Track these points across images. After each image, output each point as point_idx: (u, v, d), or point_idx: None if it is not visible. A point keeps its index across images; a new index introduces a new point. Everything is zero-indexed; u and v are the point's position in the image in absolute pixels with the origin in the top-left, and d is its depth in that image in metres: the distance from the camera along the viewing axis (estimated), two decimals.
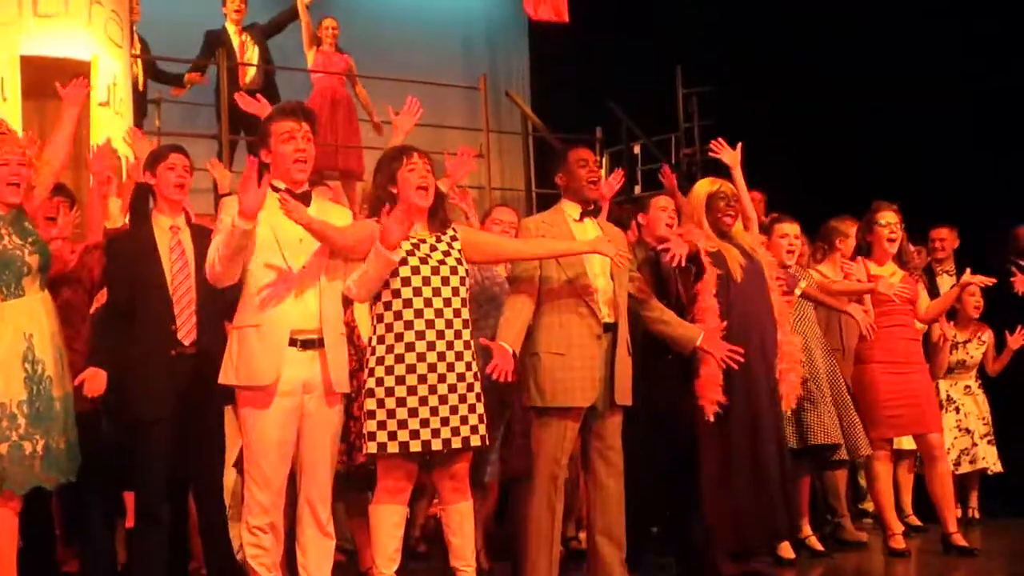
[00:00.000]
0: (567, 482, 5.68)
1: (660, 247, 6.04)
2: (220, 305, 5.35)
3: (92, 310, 5.80)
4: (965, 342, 8.08)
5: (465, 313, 4.96)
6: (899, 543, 6.85)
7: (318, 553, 4.90)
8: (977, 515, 8.23)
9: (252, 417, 4.78)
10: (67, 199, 6.04)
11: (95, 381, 5.24)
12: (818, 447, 6.64)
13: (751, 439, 5.82)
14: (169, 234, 5.45)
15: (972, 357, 8.10)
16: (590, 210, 5.62)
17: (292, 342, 4.76)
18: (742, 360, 5.65)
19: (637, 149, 12.14)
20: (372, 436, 4.80)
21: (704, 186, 6.14)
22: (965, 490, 8.24)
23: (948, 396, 8.06)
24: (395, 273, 4.83)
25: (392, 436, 4.78)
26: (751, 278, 5.93)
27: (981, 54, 10.34)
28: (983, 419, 8.06)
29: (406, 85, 11.62)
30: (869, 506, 7.97)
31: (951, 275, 8.43)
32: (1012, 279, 8.05)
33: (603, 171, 11.96)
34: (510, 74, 13.06)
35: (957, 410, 8.04)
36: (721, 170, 6.54)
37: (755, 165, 6.94)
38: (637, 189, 11.87)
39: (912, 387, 6.89)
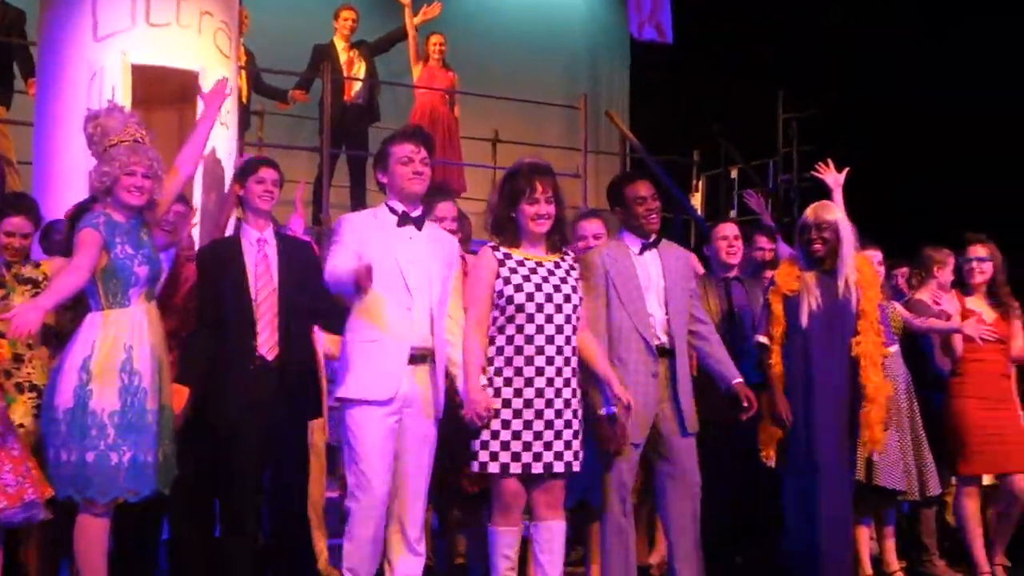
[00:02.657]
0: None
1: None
2: (306, 318, 5.47)
3: None
4: None
5: (575, 340, 5.04)
6: None
7: (406, 571, 4.98)
8: None
9: (359, 427, 4.88)
10: (188, 207, 6.01)
11: (177, 397, 5.28)
12: (881, 489, 6.54)
13: (817, 484, 5.79)
14: (256, 246, 5.51)
15: None
16: (650, 243, 5.61)
17: (395, 354, 4.87)
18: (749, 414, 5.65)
19: (735, 173, 12.08)
20: (475, 456, 4.93)
21: (805, 212, 6.08)
22: None
23: None
24: (511, 300, 4.94)
25: (494, 457, 4.90)
26: (831, 319, 5.87)
27: None
28: None
29: (507, 103, 11.76)
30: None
31: None
32: None
33: (700, 194, 12.15)
34: (611, 94, 13.09)
35: None
36: (820, 196, 6.48)
37: (854, 192, 6.89)
38: (732, 213, 11.83)
39: (1001, 424, 6.79)
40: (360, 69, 10.42)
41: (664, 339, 5.49)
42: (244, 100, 9.50)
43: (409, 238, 5.02)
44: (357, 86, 10.37)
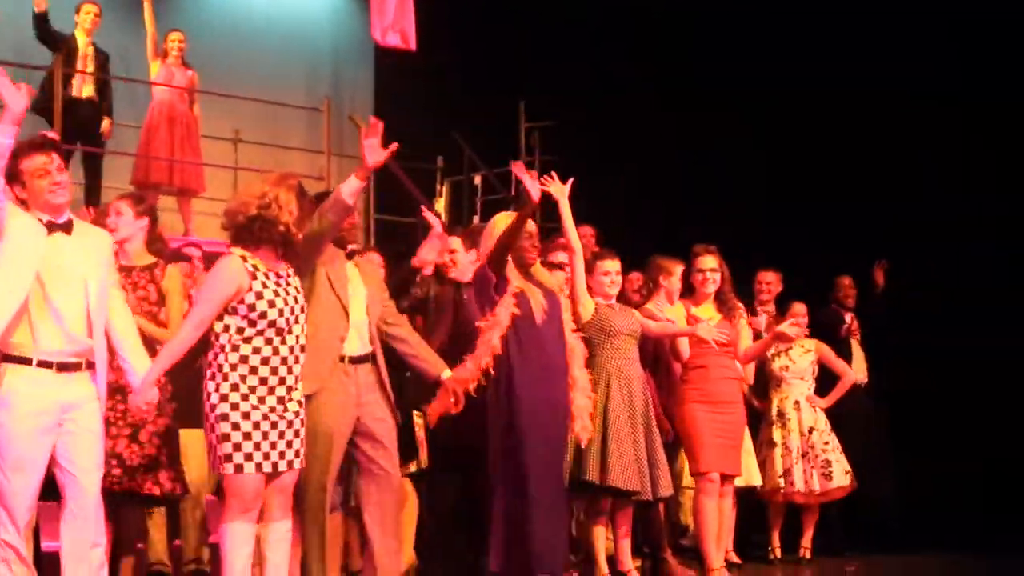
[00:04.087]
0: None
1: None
2: None
3: None
4: (787, 349, 8.31)
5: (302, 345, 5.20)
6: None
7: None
8: (808, 555, 8.35)
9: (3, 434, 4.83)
10: None
11: None
12: (614, 489, 6.71)
13: (540, 474, 5.97)
14: None
15: (795, 363, 8.32)
16: (349, 252, 5.85)
17: (46, 364, 4.86)
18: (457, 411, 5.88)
19: (478, 180, 12.20)
20: (229, 458, 5.00)
21: (503, 220, 6.25)
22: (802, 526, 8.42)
23: (779, 411, 8.29)
24: (264, 315, 5.03)
25: (248, 457, 5.00)
26: (549, 318, 6.13)
27: (820, 102, 10.59)
28: (804, 436, 8.23)
29: (249, 104, 11.58)
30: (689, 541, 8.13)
31: (770, 316, 8.66)
32: (842, 326, 8.73)
33: (443, 199, 12.22)
34: (354, 98, 13.03)
35: (784, 425, 8.25)
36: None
37: (593, 200, 7.08)
38: (476, 219, 11.93)
39: (727, 426, 7.14)
40: (90, 65, 10.06)
41: (368, 344, 5.74)
42: None
43: (60, 246, 4.98)
44: (89, 86, 10.02)
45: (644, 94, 11.50)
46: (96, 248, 5.11)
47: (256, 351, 5.04)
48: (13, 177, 4.96)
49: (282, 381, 5.08)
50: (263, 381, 5.04)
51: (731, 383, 7.27)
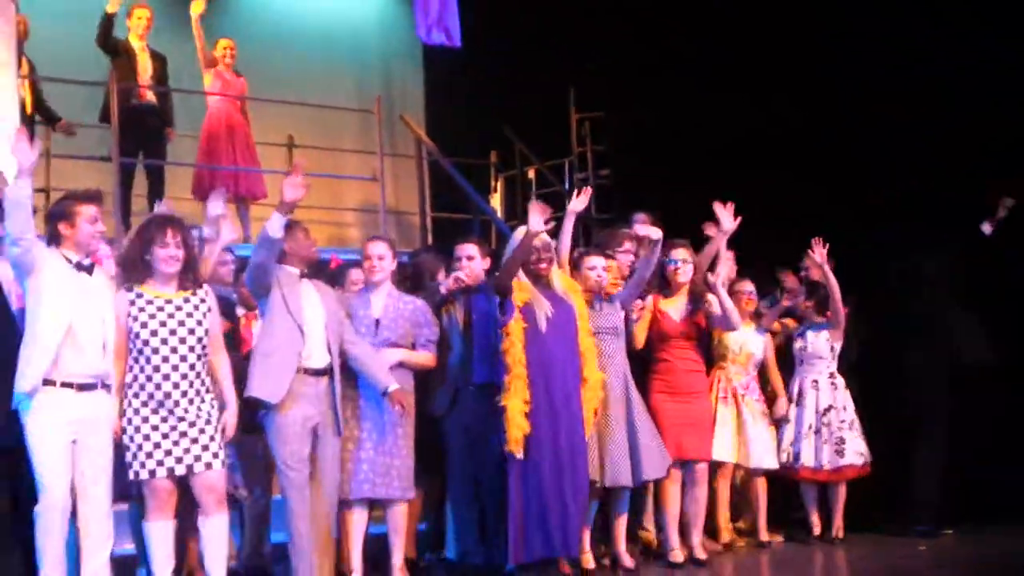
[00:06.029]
0: None
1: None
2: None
3: None
4: (804, 331, 8.47)
5: (199, 366, 5.86)
6: (676, 557, 7.42)
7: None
8: (841, 535, 8.36)
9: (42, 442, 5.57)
10: None
11: None
12: None
13: (552, 471, 6.58)
14: None
15: (812, 344, 8.38)
16: (306, 273, 6.49)
17: (70, 385, 5.61)
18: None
19: (532, 174, 12.23)
20: (143, 465, 5.73)
21: (519, 235, 6.78)
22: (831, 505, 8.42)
23: (799, 390, 8.38)
24: (138, 335, 5.76)
25: (160, 464, 5.74)
26: (559, 323, 6.72)
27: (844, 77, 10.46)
28: (819, 413, 8.28)
29: (301, 108, 11.67)
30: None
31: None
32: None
33: (498, 195, 12.26)
34: (405, 98, 13.05)
35: (800, 403, 8.34)
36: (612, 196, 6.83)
37: (644, 188, 7.12)
38: None
39: (692, 414, 7.49)
40: (149, 68, 10.12)
41: (325, 358, 6.35)
42: (29, 111, 9.14)
43: (85, 284, 5.73)
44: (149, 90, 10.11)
45: (695, 79, 11.44)
46: (108, 287, 5.83)
47: (149, 378, 5.75)
48: (63, 216, 5.71)
49: (176, 403, 5.75)
50: (160, 405, 5.73)
51: (696, 375, 7.64)
